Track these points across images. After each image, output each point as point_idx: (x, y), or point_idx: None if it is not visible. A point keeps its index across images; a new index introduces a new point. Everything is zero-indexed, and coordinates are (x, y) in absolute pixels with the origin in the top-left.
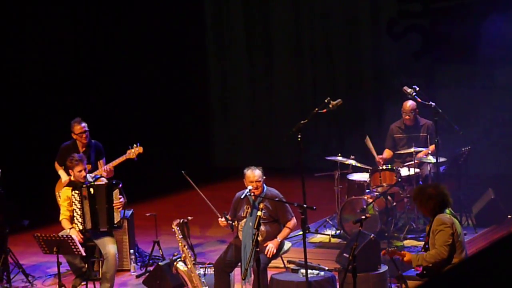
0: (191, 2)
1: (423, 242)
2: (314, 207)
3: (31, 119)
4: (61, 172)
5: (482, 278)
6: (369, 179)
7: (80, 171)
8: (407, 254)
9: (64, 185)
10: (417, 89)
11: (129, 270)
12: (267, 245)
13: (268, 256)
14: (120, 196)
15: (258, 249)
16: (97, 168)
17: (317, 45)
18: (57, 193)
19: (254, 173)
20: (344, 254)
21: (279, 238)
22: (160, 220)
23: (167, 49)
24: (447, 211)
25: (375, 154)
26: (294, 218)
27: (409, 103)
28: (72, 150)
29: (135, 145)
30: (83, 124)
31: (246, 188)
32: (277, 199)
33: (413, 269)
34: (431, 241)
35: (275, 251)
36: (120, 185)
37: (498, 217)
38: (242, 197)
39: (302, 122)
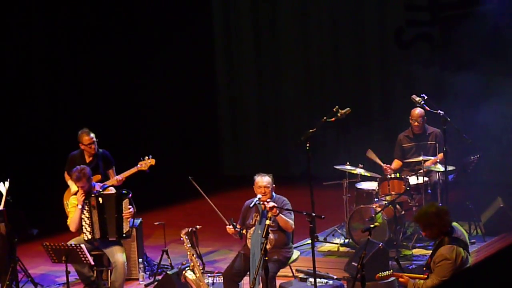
0: (199, 6)
1: (426, 262)
2: (323, 216)
3: (39, 128)
4: (70, 182)
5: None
6: (377, 188)
7: (82, 186)
8: (404, 277)
9: (72, 194)
10: (426, 97)
11: (137, 279)
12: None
13: (268, 207)
14: (130, 206)
15: (266, 258)
16: (107, 177)
17: (325, 53)
18: (65, 202)
19: (262, 179)
20: (353, 263)
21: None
22: (169, 229)
23: (176, 56)
24: (455, 224)
25: (380, 163)
26: (293, 224)
27: (417, 110)
28: (79, 160)
29: (147, 157)
30: (92, 135)
31: (256, 196)
32: (286, 206)
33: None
34: (432, 266)
35: (273, 204)
36: (130, 195)
37: (507, 225)
38: (251, 205)
39: (310, 130)
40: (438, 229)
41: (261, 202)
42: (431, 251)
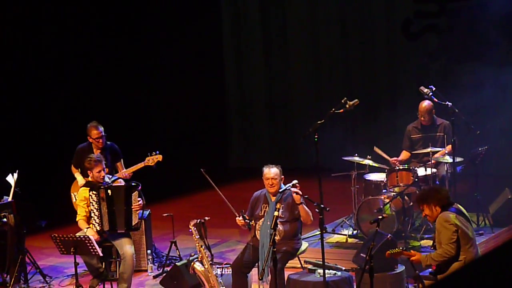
0: (208, 7)
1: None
2: (328, 209)
3: (48, 120)
4: (77, 175)
5: (496, 277)
6: (386, 179)
7: (99, 171)
8: (416, 254)
9: (81, 187)
10: (434, 89)
11: (146, 271)
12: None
13: (295, 192)
14: (139, 199)
15: (275, 249)
16: (114, 171)
17: (333, 45)
18: (72, 194)
19: (270, 171)
20: (361, 254)
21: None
22: (177, 221)
23: (184, 50)
24: (454, 208)
25: (387, 157)
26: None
27: (425, 103)
28: (88, 153)
29: (154, 153)
30: (100, 129)
31: (263, 187)
32: (304, 197)
33: (430, 269)
34: (437, 239)
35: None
36: (139, 187)
37: None
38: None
39: (319, 122)
40: (436, 202)
41: (290, 188)
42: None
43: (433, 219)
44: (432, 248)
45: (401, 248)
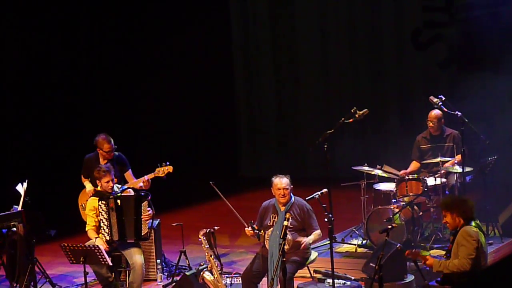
0: (217, 16)
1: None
2: (332, 219)
3: (58, 129)
4: (87, 183)
5: (506, 286)
6: (395, 189)
7: (108, 181)
8: (429, 258)
9: (89, 195)
10: (443, 98)
11: (155, 280)
12: (301, 242)
13: (301, 248)
14: (149, 208)
15: (284, 259)
16: (123, 181)
17: (342, 55)
18: (80, 203)
19: (281, 181)
20: (371, 264)
21: (311, 239)
22: (187, 230)
23: (193, 59)
24: (473, 223)
25: (397, 172)
26: (319, 229)
27: (435, 112)
28: (95, 162)
29: (164, 164)
30: (112, 143)
31: (273, 197)
32: (307, 209)
33: (439, 278)
34: (454, 251)
35: (307, 244)
36: (149, 197)
37: None
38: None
39: (328, 131)
40: (460, 213)
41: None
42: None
43: (452, 228)
44: (444, 257)
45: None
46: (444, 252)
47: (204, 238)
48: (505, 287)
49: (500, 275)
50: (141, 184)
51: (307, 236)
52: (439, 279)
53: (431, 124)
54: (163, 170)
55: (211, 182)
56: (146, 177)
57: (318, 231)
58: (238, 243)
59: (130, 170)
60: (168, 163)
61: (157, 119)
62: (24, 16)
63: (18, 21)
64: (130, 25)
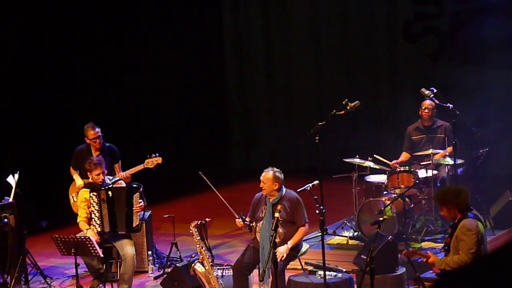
0: (209, 4)
1: (443, 244)
2: (324, 210)
3: (48, 121)
4: (76, 176)
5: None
6: (386, 181)
7: (98, 174)
8: (432, 256)
9: (79, 188)
10: (435, 90)
11: (147, 272)
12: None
13: (279, 261)
14: (140, 200)
15: (275, 251)
16: (112, 172)
17: (335, 47)
18: (70, 195)
19: (263, 174)
20: (362, 256)
21: (290, 244)
22: (178, 222)
23: (185, 51)
24: (472, 214)
25: (388, 162)
26: (307, 224)
27: (429, 100)
28: (86, 154)
29: (153, 155)
30: (97, 130)
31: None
32: (297, 201)
33: (430, 271)
34: (453, 245)
35: (285, 255)
36: (141, 189)
37: None
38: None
39: (319, 124)
40: (454, 206)
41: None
42: (440, 244)
43: (450, 220)
44: (442, 250)
45: (418, 246)
46: (436, 245)
47: (196, 229)
48: (497, 279)
49: (492, 268)
50: (125, 175)
51: (297, 229)
52: (432, 271)
53: (426, 111)
54: (152, 161)
55: (200, 172)
56: (123, 174)
57: (303, 228)
58: (229, 235)
59: (120, 162)
60: (157, 154)
61: (149, 110)
62: (11, 12)
63: (4, 17)
64: (122, 16)
